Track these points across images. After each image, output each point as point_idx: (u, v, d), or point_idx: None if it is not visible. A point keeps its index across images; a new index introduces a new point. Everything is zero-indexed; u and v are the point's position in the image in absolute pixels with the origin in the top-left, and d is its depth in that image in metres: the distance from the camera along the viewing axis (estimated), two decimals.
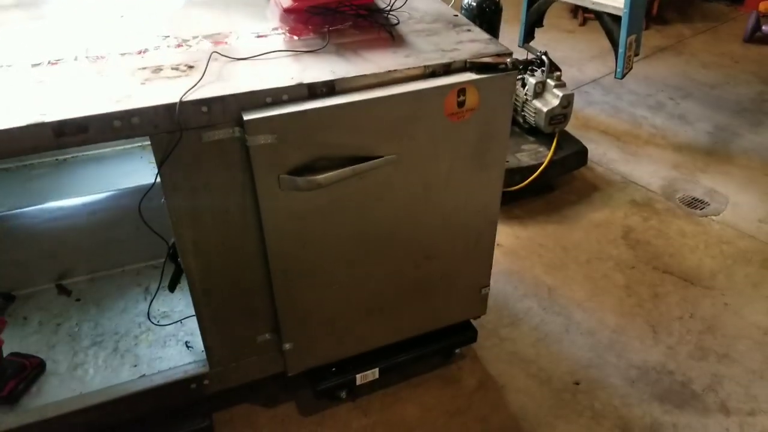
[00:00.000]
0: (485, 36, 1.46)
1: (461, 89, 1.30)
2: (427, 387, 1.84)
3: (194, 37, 1.40)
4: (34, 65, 1.27)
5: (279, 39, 1.43)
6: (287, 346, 1.53)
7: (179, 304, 1.74)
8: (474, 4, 2.54)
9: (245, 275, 1.41)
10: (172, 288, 1.61)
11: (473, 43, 1.42)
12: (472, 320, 1.84)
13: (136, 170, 1.85)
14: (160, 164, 1.19)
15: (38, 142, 1.09)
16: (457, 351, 1.89)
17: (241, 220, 1.33)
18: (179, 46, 1.37)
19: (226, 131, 1.21)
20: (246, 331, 1.50)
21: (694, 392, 1.84)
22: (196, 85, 1.19)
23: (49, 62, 1.28)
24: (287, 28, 1.49)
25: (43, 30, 1.46)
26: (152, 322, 1.68)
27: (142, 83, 1.21)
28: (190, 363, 1.55)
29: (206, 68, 1.25)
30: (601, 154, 2.97)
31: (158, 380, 1.50)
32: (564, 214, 2.58)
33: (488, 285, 1.72)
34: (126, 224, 1.78)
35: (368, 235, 1.45)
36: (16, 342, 1.60)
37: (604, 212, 2.59)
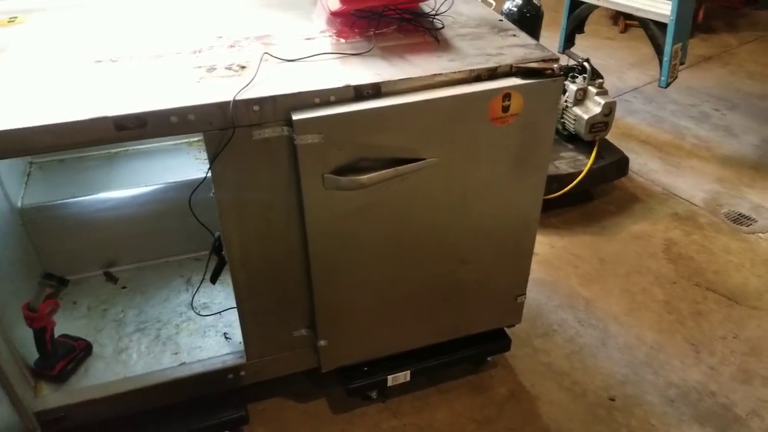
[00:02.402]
0: (531, 41, 1.47)
1: (506, 94, 1.32)
2: (458, 393, 1.84)
3: (246, 38, 1.45)
4: (96, 62, 1.34)
5: (326, 41, 1.47)
6: (322, 342, 1.56)
7: (219, 296, 1.79)
8: (515, 9, 2.54)
9: (286, 271, 1.45)
10: (214, 280, 1.66)
11: (519, 47, 1.43)
12: (505, 328, 1.84)
13: (183, 165, 1.91)
14: (212, 160, 1.23)
15: (100, 135, 1.15)
16: (488, 359, 1.89)
17: (284, 217, 1.37)
18: (232, 46, 1.42)
19: (275, 130, 1.25)
20: (283, 325, 1.54)
21: (737, 416, 1.79)
22: (248, 84, 1.24)
23: (110, 60, 1.35)
24: (334, 31, 1.53)
25: (104, 29, 1.54)
26: (194, 312, 1.74)
27: (198, 81, 1.26)
28: (228, 354, 1.60)
29: (258, 69, 1.30)
30: (642, 164, 2.93)
31: (197, 369, 1.55)
32: (602, 224, 2.55)
33: (524, 293, 1.72)
34: (172, 217, 1.85)
35: (406, 236, 1.47)
36: (66, 325, 1.68)
37: (644, 225, 2.55)
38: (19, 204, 1.74)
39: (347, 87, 1.27)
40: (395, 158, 1.34)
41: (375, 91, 1.29)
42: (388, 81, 1.28)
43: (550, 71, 1.36)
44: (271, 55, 1.36)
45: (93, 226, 1.83)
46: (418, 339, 1.69)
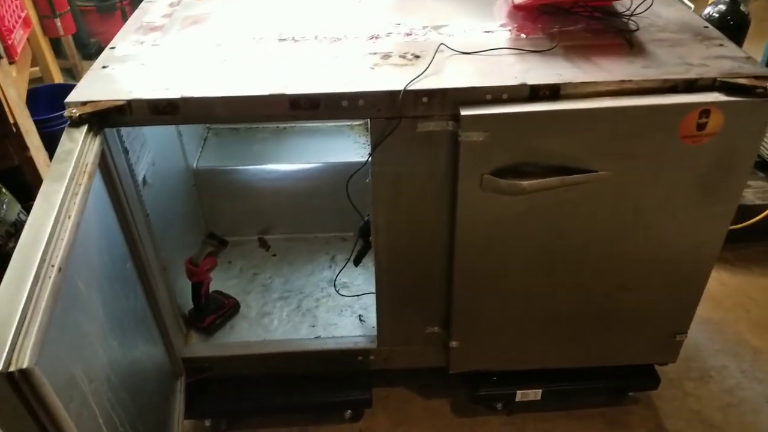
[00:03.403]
0: (740, 53, 1.28)
1: (705, 110, 1.16)
2: (589, 423, 1.71)
3: (423, 27, 1.43)
4: (280, 40, 1.40)
5: (505, 36, 1.40)
6: (454, 343, 1.52)
7: (359, 278, 1.82)
8: (716, 15, 2.25)
9: (428, 266, 1.43)
10: (357, 262, 1.69)
11: (726, 59, 1.26)
12: (656, 365, 1.67)
13: (343, 147, 1.96)
14: (374, 146, 1.23)
15: (275, 111, 1.20)
16: (630, 394, 1.73)
17: (435, 212, 1.34)
18: (408, 35, 1.40)
19: (441, 123, 1.21)
20: (417, 319, 1.52)
21: None
22: (420, 75, 1.21)
23: (293, 39, 1.40)
24: (515, 26, 1.45)
25: (290, 7, 1.60)
26: (334, 290, 1.78)
27: (371, 68, 1.27)
28: (360, 336, 1.62)
29: (432, 60, 1.27)
30: None
31: (330, 344, 1.59)
32: None
33: (685, 332, 1.53)
34: (325, 195, 1.91)
35: (560, 251, 1.37)
36: (220, 282, 1.80)
37: None
38: (195, 165, 1.90)
39: (523, 85, 1.19)
40: (562, 166, 1.24)
41: (553, 92, 1.20)
42: (569, 83, 1.19)
43: (761, 90, 1.17)
44: (447, 47, 1.32)
45: (255, 194, 1.95)
46: (557, 359, 1.59)
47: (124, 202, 1.25)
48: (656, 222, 1.33)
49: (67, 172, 0.99)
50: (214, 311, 1.66)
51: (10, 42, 1.97)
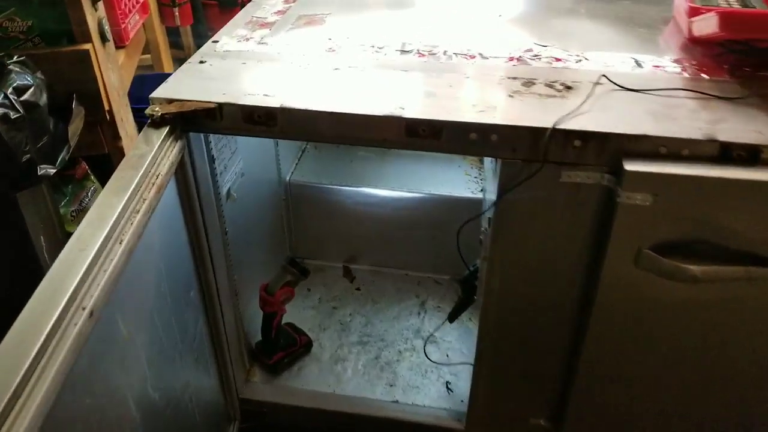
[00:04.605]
0: None
1: None
2: None
3: (577, 53, 1.17)
4: (403, 52, 1.18)
5: (679, 74, 1.11)
6: None
7: (451, 333, 1.57)
8: None
9: (547, 342, 1.15)
10: (452, 318, 1.44)
11: None
12: None
13: (451, 179, 1.72)
14: (503, 192, 0.98)
15: (387, 135, 0.98)
16: None
17: (566, 281, 1.06)
18: (558, 60, 1.14)
19: (594, 175, 0.94)
20: (520, 406, 1.24)
21: None
22: (574, 111, 0.95)
23: (418, 51, 1.18)
24: (693, 62, 1.15)
25: (419, 17, 1.39)
26: (421, 343, 1.54)
27: (510, 95, 1.02)
28: (445, 409, 1.36)
29: (589, 94, 1.00)
30: None
31: (409, 413, 1.35)
32: None
33: None
34: (423, 229, 1.69)
35: (723, 358, 1.05)
36: (295, 312, 1.61)
37: None
38: (287, 178, 1.73)
39: (711, 141, 0.90)
40: (750, 252, 0.93)
41: (750, 155, 0.90)
42: None
43: None
44: (609, 79, 1.05)
45: (346, 217, 1.75)
46: None
47: (199, 219, 1.08)
48: None
49: (132, 182, 0.82)
50: (284, 348, 1.47)
51: (123, 26, 1.89)
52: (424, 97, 1.02)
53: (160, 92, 1.01)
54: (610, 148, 0.92)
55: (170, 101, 0.99)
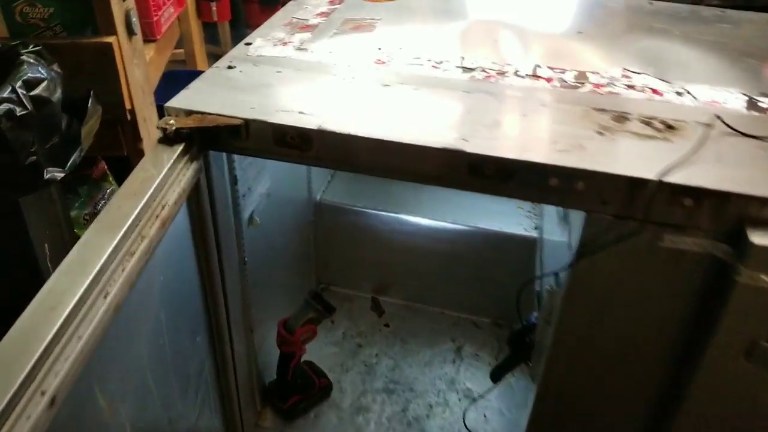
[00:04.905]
0: None
1: None
2: None
3: (677, 85, 0.97)
4: (465, 69, 1.00)
5: None
6: None
7: (488, 385, 1.38)
8: None
9: (618, 428, 0.96)
10: (496, 378, 1.25)
11: None
12: None
13: (501, 212, 1.53)
14: (586, 251, 0.79)
15: (443, 172, 0.80)
16: None
17: (652, 362, 0.87)
18: (654, 92, 0.95)
19: (704, 243, 0.75)
20: None
21: None
22: (683, 160, 0.76)
23: (482, 69, 1.00)
24: None
25: (486, 27, 1.21)
26: (456, 398, 1.35)
27: (599, 132, 0.83)
28: None
29: (702, 138, 0.81)
30: None
31: None
32: None
33: None
34: (465, 265, 1.51)
35: None
36: (317, 347, 1.44)
37: None
38: (318, 197, 1.56)
39: None
40: None
41: None
42: None
43: None
44: (723, 121, 0.85)
45: (380, 245, 1.58)
46: None
47: (213, 251, 0.92)
48: None
49: (129, 217, 0.66)
50: (300, 391, 1.30)
51: (155, 19, 1.75)
52: (492, 128, 0.84)
53: (177, 101, 0.85)
54: (729, 212, 0.73)
55: (189, 113, 0.83)
